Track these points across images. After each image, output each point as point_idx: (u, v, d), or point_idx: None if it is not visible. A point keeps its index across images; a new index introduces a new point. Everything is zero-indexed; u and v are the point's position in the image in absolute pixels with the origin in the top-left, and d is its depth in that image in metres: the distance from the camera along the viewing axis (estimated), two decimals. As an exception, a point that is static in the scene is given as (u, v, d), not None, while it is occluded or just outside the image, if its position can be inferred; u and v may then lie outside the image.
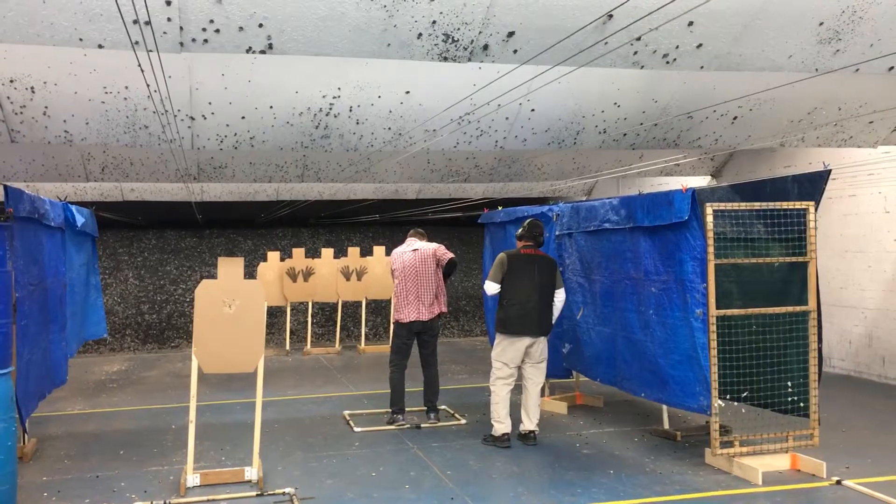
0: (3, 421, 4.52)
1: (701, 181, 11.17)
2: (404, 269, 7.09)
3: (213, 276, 5.53)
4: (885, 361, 8.70)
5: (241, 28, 3.90)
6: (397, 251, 7.30)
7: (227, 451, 6.23)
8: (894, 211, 8.59)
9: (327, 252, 12.77)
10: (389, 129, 6.62)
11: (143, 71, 4.41)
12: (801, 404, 5.59)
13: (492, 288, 6.36)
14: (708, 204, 5.35)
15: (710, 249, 5.33)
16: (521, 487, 5.25)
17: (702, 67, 4.74)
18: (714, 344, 5.33)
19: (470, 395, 8.33)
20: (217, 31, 3.89)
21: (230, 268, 5.44)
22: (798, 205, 5.51)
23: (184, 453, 5.61)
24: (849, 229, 9.11)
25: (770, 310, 5.52)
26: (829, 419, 6.59)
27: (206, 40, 3.94)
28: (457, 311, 15.41)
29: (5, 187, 5.32)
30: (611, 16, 4.06)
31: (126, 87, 5.78)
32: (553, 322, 6.45)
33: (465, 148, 7.08)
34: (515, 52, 4.34)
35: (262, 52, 4.10)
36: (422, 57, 4.28)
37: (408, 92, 6.26)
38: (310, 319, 12.95)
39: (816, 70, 4.88)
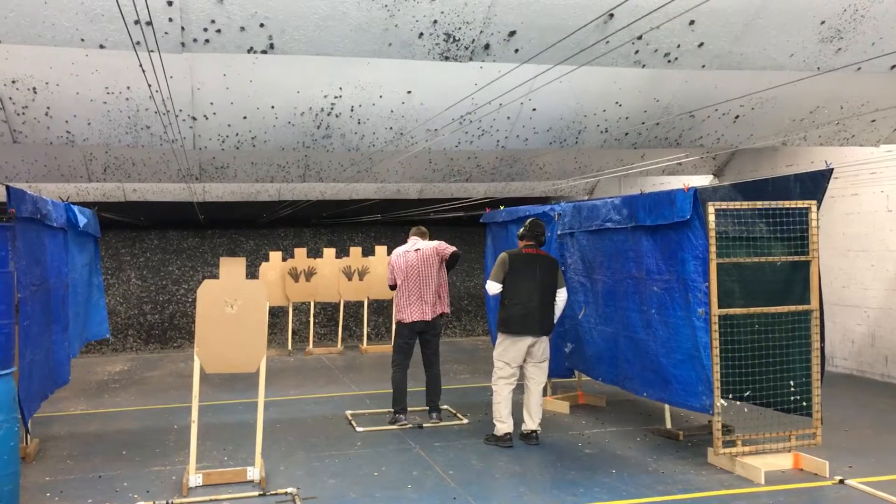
0: (6, 421, 4.53)
1: (703, 180, 11.16)
2: (407, 269, 7.08)
3: (216, 277, 5.53)
4: (887, 360, 8.68)
5: (242, 28, 3.90)
6: (399, 250, 7.28)
7: (230, 451, 6.23)
8: (897, 210, 8.59)
9: (329, 252, 12.77)
10: (391, 128, 6.62)
11: (144, 71, 4.42)
12: (804, 403, 5.58)
13: (493, 288, 6.36)
14: (710, 203, 5.34)
15: (713, 248, 5.32)
16: (523, 487, 5.25)
17: (703, 66, 4.74)
18: (716, 343, 5.33)
19: (472, 395, 8.33)
20: (218, 31, 3.89)
21: (232, 268, 5.44)
22: (800, 204, 5.51)
23: (186, 453, 5.62)
24: (851, 228, 9.10)
25: (772, 309, 5.51)
26: (832, 418, 6.58)
27: (207, 40, 3.95)
28: (459, 311, 15.41)
29: (7, 188, 5.33)
30: (612, 15, 4.05)
31: (128, 88, 5.78)
32: (555, 321, 6.45)
33: (466, 147, 7.08)
34: (517, 51, 4.34)
35: (264, 52, 4.11)
36: (423, 56, 4.28)
37: (409, 91, 6.26)
38: (312, 319, 12.95)
39: (818, 69, 4.87)
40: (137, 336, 14.30)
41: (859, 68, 4.91)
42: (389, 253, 11.43)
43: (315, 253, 13.56)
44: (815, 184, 5.68)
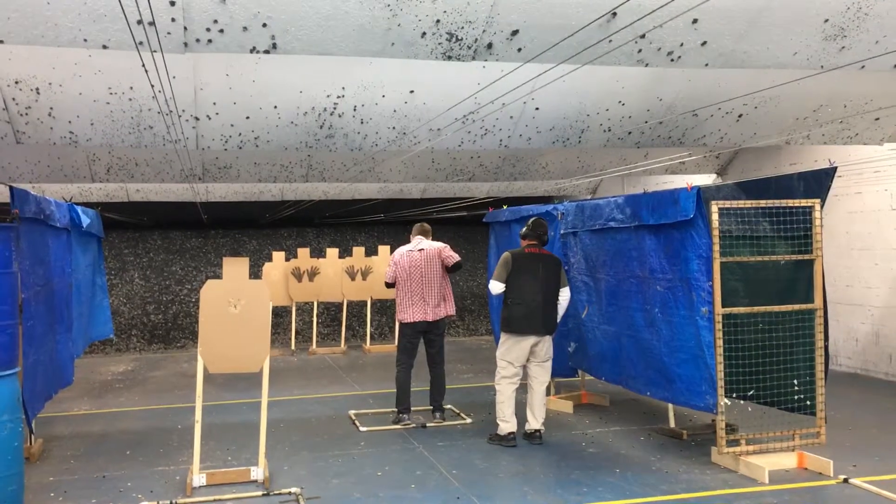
0: (10, 421, 4.53)
1: (706, 179, 11.15)
2: (410, 269, 7.06)
3: (219, 277, 5.53)
4: (892, 359, 8.66)
5: (245, 28, 3.90)
6: (403, 250, 7.24)
7: (233, 450, 6.24)
8: (901, 208, 8.56)
9: (332, 252, 12.77)
10: (394, 128, 6.61)
11: (147, 71, 4.42)
12: (808, 402, 5.57)
13: (496, 287, 6.35)
14: (713, 202, 5.33)
15: (716, 247, 5.31)
16: (526, 486, 5.24)
17: (706, 65, 4.73)
18: (720, 342, 5.32)
19: (475, 395, 8.33)
20: (221, 31, 3.89)
21: (235, 268, 5.44)
22: (804, 202, 5.49)
23: (190, 453, 5.62)
24: (855, 227, 9.08)
25: (776, 308, 5.51)
26: (836, 417, 6.57)
27: (210, 40, 3.95)
28: (462, 311, 15.40)
29: (11, 188, 5.33)
30: (615, 13, 4.05)
31: (131, 88, 5.79)
32: (558, 321, 6.44)
33: (469, 147, 7.08)
34: (520, 50, 4.34)
35: (266, 51, 4.11)
36: (426, 56, 4.28)
37: (412, 91, 6.26)
38: (315, 319, 12.96)
39: (822, 67, 4.86)
40: (141, 336, 14.32)
41: (863, 66, 4.90)
42: (392, 253, 11.45)
43: (318, 253, 13.57)
44: (818, 182, 5.67)
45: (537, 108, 6.64)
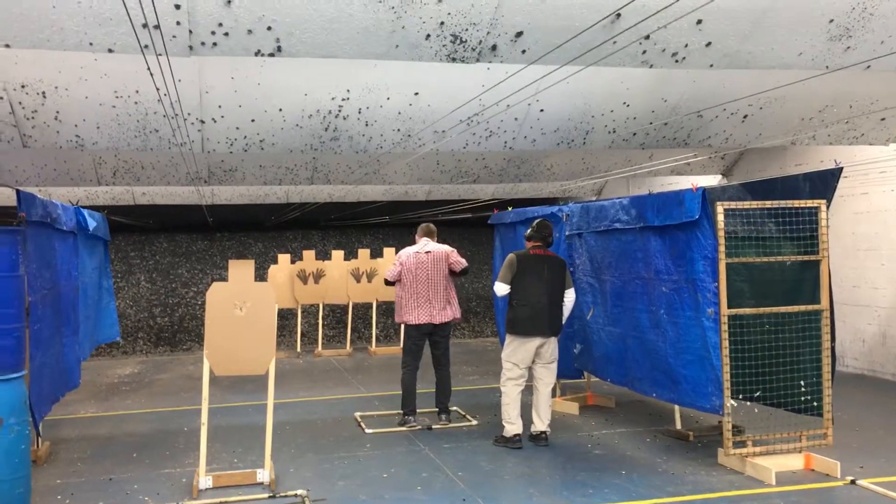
0: (17, 424, 4.55)
1: (711, 180, 11.13)
2: (417, 270, 7.01)
3: (225, 279, 5.54)
4: (899, 360, 8.63)
5: (249, 31, 3.92)
6: (410, 250, 7.16)
7: (239, 453, 6.24)
8: (907, 208, 8.54)
9: (338, 254, 12.79)
10: (398, 130, 6.62)
11: (152, 75, 4.43)
12: (815, 403, 5.55)
13: (501, 289, 6.35)
14: (719, 203, 5.32)
15: (721, 248, 5.30)
16: (532, 488, 5.24)
17: (711, 66, 4.73)
18: (726, 343, 5.31)
19: (481, 396, 8.33)
20: (226, 34, 3.91)
21: (241, 270, 5.45)
22: (809, 203, 5.48)
23: (196, 456, 5.63)
24: (861, 227, 9.05)
25: (782, 309, 5.49)
26: (843, 418, 6.55)
27: (215, 43, 3.96)
28: (467, 313, 15.41)
29: (18, 192, 5.35)
30: (619, 15, 4.05)
31: (136, 92, 5.81)
32: (563, 322, 6.43)
33: (474, 149, 7.08)
34: (524, 52, 4.34)
35: (271, 54, 4.12)
36: (430, 58, 4.29)
37: (416, 93, 6.26)
38: (320, 321, 12.97)
39: (827, 67, 4.86)
40: (147, 339, 14.36)
41: (868, 67, 4.89)
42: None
43: (323, 255, 13.58)
44: (824, 183, 5.65)
45: (542, 110, 6.64)
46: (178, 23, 3.77)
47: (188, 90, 5.69)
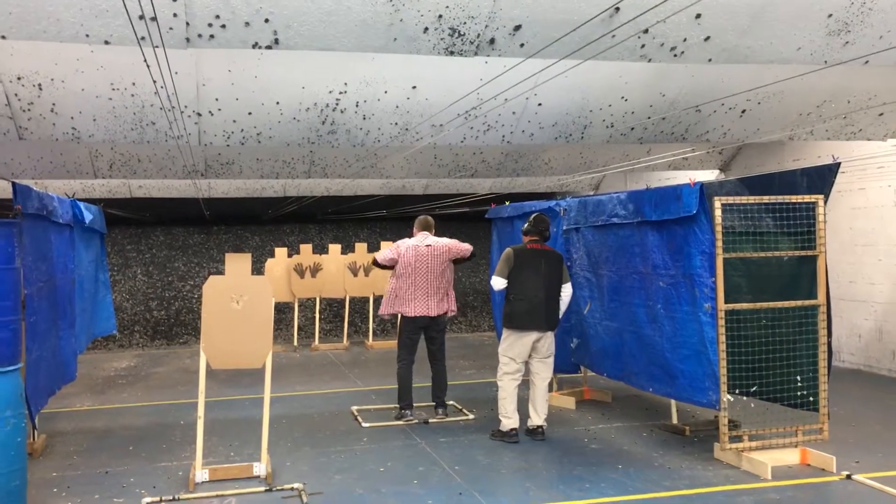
0: (13, 417, 4.53)
1: (709, 175, 11.13)
2: (416, 262, 6.97)
3: (221, 273, 5.53)
4: (895, 356, 8.65)
5: (247, 23, 3.90)
6: (409, 242, 7.08)
7: (236, 446, 6.24)
8: (904, 204, 8.54)
9: (335, 248, 12.78)
10: (396, 124, 6.61)
11: (149, 67, 4.41)
12: (811, 399, 5.56)
13: (498, 283, 6.34)
14: (716, 198, 5.32)
15: (719, 243, 5.30)
16: (529, 482, 5.25)
17: (710, 60, 4.72)
18: (723, 338, 5.31)
19: (477, 391, 8.33)
20: (223, 26, 3.89)
21: (238, 264, 5.44)
22: (807, 198, 5.48)
23: (192, 449, 5.63)
24: (858, 223, 9.06)
25: (779, 304, 5.50)
26: (839, 413, 6.56)
27: (212, 36, 3.94)
28: (464, 307, 15.42)
29: (14, 184, 5.33)
30: (618, 8, 4.04)
31: (133, 84, 5.78)
32: (560, 317, 6.44)
33: (472, 143, 7.07)
34: (522, 45, 4.33)
35: (269, 47, 4.10)
36: (428, 51, 4.27)
37: (414, 87, 6.25)
38: (317, 315, 12.97)
39: (825, 62, 4.85)
40: (144, 332, 14.35)
41: (867, 62, 4.89)
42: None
43: (320, 249, 13.58)
44: (821, 178, 5.65)
45: (540, 104, 6.63)
46: (174, 14, 3.75)
47: (185, 83, 5.67)
